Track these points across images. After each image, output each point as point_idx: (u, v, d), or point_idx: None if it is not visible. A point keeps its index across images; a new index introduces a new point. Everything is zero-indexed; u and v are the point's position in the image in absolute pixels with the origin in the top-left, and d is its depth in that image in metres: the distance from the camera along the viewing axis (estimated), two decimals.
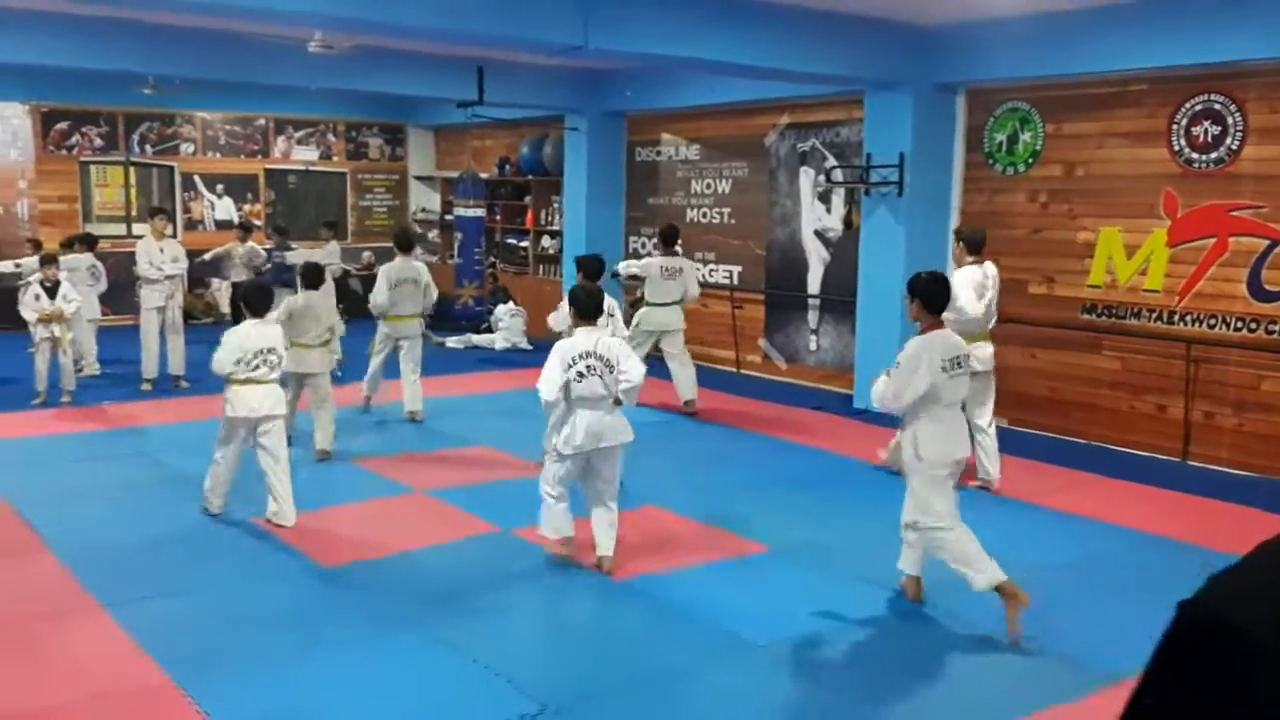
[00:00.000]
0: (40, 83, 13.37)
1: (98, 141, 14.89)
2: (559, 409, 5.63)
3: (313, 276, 8.23)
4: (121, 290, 12.35)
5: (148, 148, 15.26)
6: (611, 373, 5.60)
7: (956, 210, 9.97)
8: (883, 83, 9.61)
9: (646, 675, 4.56)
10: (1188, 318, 8.44)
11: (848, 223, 11.01)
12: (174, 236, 13.09)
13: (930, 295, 5.24)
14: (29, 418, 9.26)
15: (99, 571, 5.60)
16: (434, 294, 9.63)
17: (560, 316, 7.38)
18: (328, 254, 12.43)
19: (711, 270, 12.75)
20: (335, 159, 16.89)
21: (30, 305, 9.78)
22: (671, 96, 12.29)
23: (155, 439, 8.54)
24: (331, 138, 16.79)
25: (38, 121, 14.46)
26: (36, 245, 11.61)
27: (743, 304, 12.32)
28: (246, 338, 6.39)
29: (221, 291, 14.63)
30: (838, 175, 10.91)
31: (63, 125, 14.63)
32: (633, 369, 5.72)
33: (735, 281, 12.45)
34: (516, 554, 6.02)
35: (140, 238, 12.62)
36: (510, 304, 14.09)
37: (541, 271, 15.31)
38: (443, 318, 14.64)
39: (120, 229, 14.94)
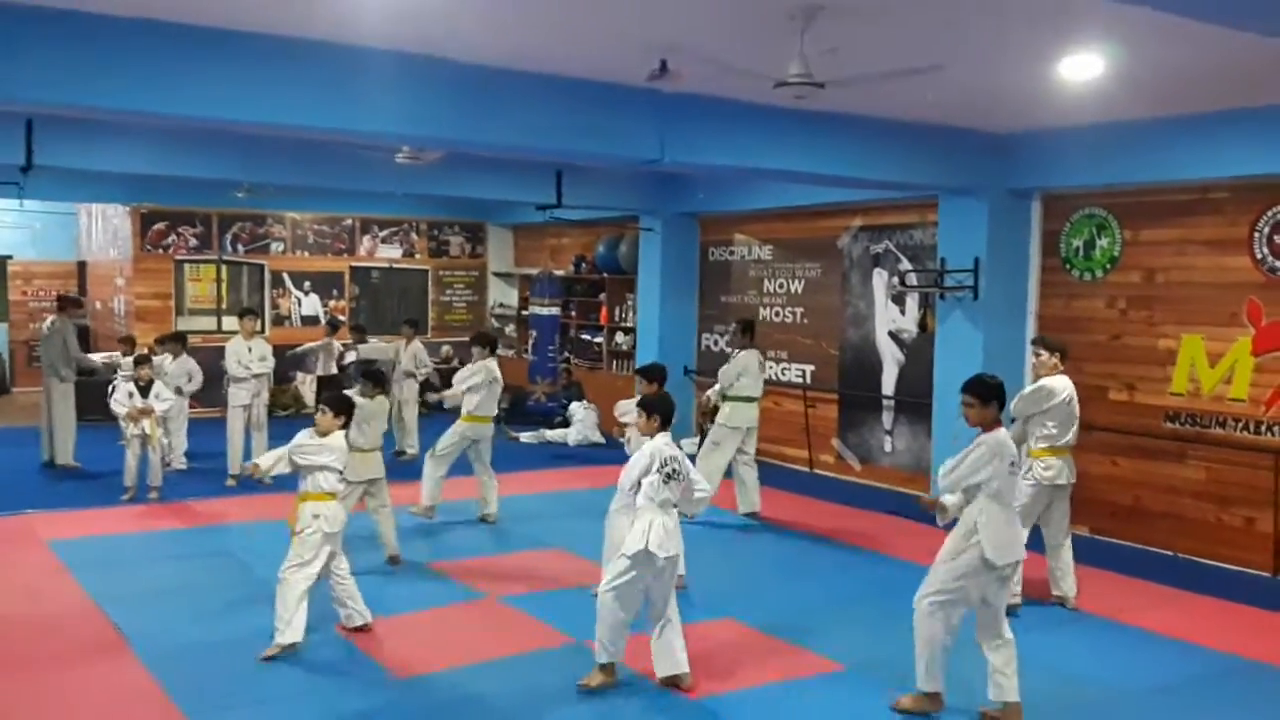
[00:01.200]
0: (140, 186, 14.01)
1: (192, 241, 15.52)
2: (625, 512, 5.74)
3: (375, 379, 8.27)
4: (209, 383, 12.73)
5: (239, 246, 15.85)
6: (680, 481, 5.67)
7: (1033, 315, 9.90)
8: (957, 188, 9.66)
9: None
10: (1275, 428, 8.23)
11: (922, 325, 10.98)
12: (262, 334, 13.52)
13: (1000, 398, 5.36)
14: (117, 514, 9.53)
15: (181, 677, 5.70)
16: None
17: (626, 412, 7.42)
18: (411, 354, 12.70)
19: (785, 369, 12.78)
20: (418, 256, 17.36)
21: (122, 402, 10.13)
22: (744, 199, 12.47)
23: (239, 537, 8.72)
24: (414, 236, 17.29)
25: (136, 222, 15.13)
26: (129, 343, 12.04)
27: (816, 403, 12.29)
28: (344, 447, 6.36)
29: (306, 385, 14.99)
30: (912, 279, 10.93)
31: (160, 225, 15.29)
32: (703, 479, 5.96)
33: (809, 380, 12.45)
34: (590, 667, 6.00)
35: (231, 333, 13.09)
36: (584, 401, 14.24)
37: (614, 367, 15.46)
38: (516, 413, 14.87)
39: (211, 323, 15.47)
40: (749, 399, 9.76)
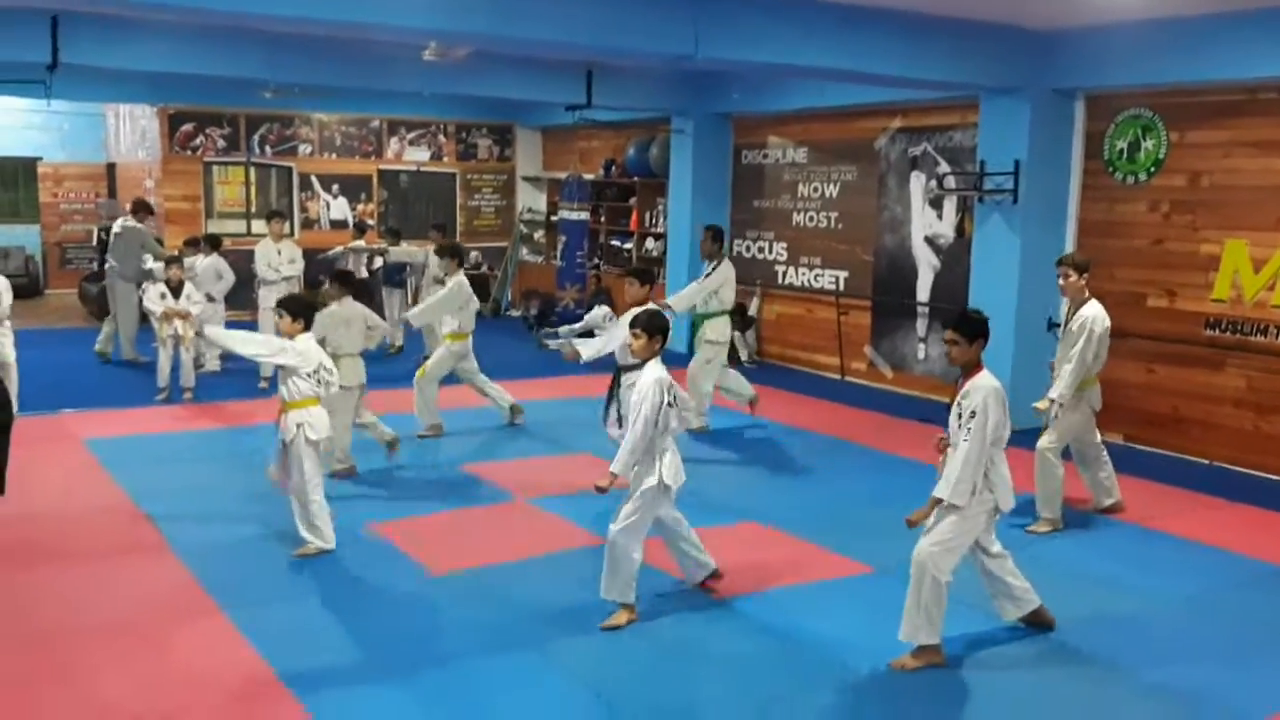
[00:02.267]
0: (167, 86, 13.87)
1: (220, 142, 15.41)
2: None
3: (344, 281, 8.00)
4: (239, 287, 12.73)
5: (267, 148, 15.73)
6: (678, 404, 5.39)
7: (1073, 219, 9.69)
8: (999, 88, 9.39)
9: (748, 700, 4.53)
10: None
11: (960, 230, 10.78)
12: (291, 237, 13.48)
13: (986, 335, 4.97)
14: (152, 414, 9.63)
15: (217, 572, 5.80)
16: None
17: (610, 342, 7.14)
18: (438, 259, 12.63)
19: (817, 275, 12.63)
20: (445, 159, 17.19)
21: (155, 302, 10.18)
22: (780, 99, 12.19)
23: (271, 437, 8.77)
24: (442, 139, 17.09)
25: (164, 123, 15.02)
26: (159, 245, 12.05)
27: (848, 310, 12.16)
28: (310, 350, 6.26)
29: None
30: (950, 182, 10.70)
31: (188, 127, 15.17)
32: (686, 397, 5.63)
33: (841, 287, 12.30)
34: None
35: (259, 236, 13.06)
36: (604, 308, 14.11)
37: None
38: (544, 320, 14.85)
39: (240, 226, 15.43)
40: (726, 312, 9.48)
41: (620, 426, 5.52)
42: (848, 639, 5.13)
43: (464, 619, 5.27)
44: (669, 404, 5.20)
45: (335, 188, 16.31)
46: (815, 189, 12.68)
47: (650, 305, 6.58)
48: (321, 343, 6.67)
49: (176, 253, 11.29)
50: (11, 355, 9.02)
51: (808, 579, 5.94)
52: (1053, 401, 6.77)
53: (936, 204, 11.15)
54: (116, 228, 11.92)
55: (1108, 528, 7.00)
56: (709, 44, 7.68)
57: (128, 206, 12.49)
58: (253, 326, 11.31)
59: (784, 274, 13.10)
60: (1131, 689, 4.76)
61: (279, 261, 11.31)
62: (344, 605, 5.44)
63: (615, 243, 15.94)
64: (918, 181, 11.35)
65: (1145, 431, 9.20)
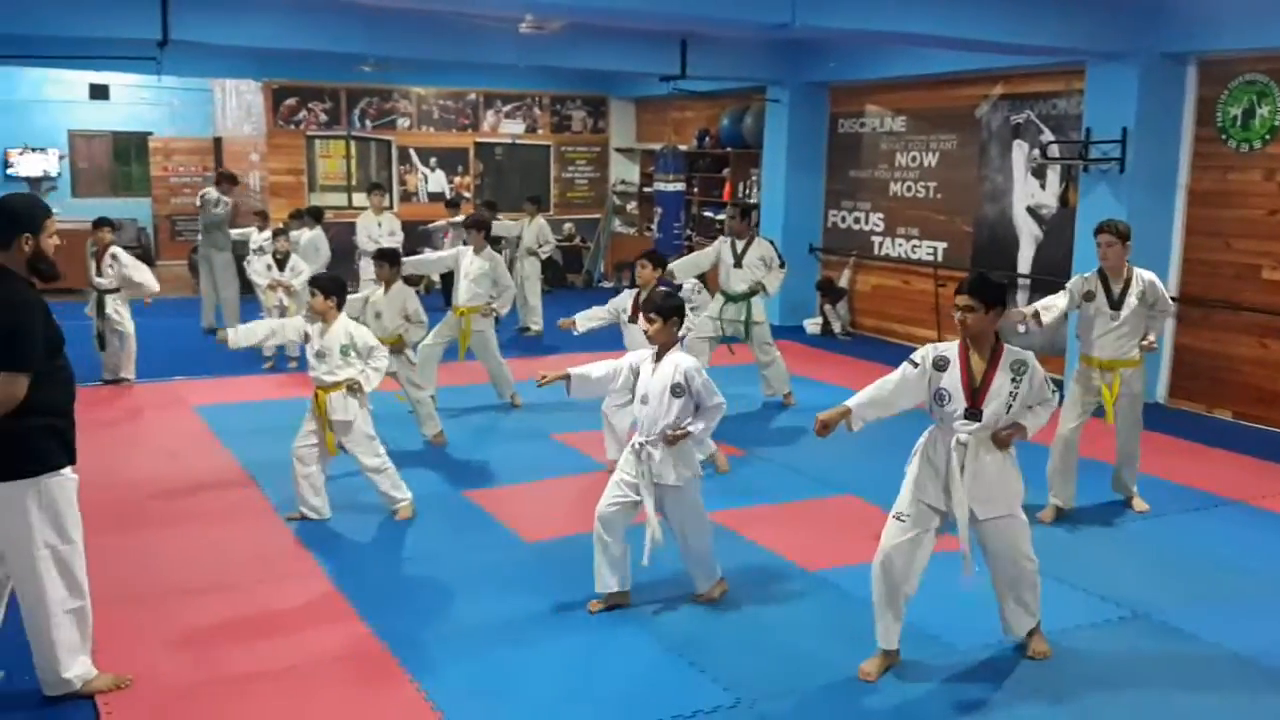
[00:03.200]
0: (272, 61, 14.20)
1: (322, 116, 15.72)
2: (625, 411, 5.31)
3: (389, 259, 7.79)
4: (340, 260, 13.02)
5: (367, 122, 16.01)
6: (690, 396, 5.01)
7: (1183, 188, 9.37)
8: (1106, 53, 9.10)
9: (837, 673, 4.53)
10: None
11: (1064, 200, 10.50)
12: (390, 209, 13.72)
13: (1003, 303, 4.44)
14: (259, 382, 9.93)
15: (322, 537, 5.98)
16: None
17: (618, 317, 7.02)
18: (534, 231, 12.76)
19: (915, 246, 12.43)
20: (540, 132, 17.29)
21: (260, 273, 10.48)
22: (878, 67, 11.99)
23: (371, 405, 8.99)
24: (537, 111, 17.19)
25: (269, 98, 15.38)
26: (264, 217, 12.37)
27: (946, 282, 11.95)
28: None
29: None
30: (1054, 150, 10.43)
31: (291, 101, 15.51)
32: (715, 391, 5.09)
33: (940, 258, 12.09)
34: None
35: (360, 209, 13.33)
36: (694, 281, 14.06)
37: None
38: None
39: (341, 199, 15.76)
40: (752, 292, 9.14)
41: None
42: (943, 617, 5.07)
43: (556, 586, 5.35)
44: (673, 390, 4.88)
45: (433, 161, 16.54)
46: (913, 158, 12.46)
47: (661, 288, 6.19)
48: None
49: (281, 225, 11.58)
50: (130, 325, 9.44)
51: None
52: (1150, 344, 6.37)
53: (1039, 173, 10.87)
54: (204, 198, 12.30)
55: (1216, 508, 6.80)
56: (807, 11, 7.58)
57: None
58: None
59: (880, 245, 12.92)
60: (1236, 672, 4.63)
61: (379, 234, 11.55)
62: (439, 570, 5.56)
63: (708, 214, 15.88)
64: (1020, 150, 11.07)
65: (1256, 408, 8.89)
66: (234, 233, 12.37)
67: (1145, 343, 6.40)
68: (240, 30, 10.43)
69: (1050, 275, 10.64)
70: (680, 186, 15.04)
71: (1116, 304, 6.30)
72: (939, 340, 11.84)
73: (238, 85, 16.68)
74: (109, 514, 6.18)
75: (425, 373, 8.20)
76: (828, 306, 13.08)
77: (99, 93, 17.77)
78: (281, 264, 10.44)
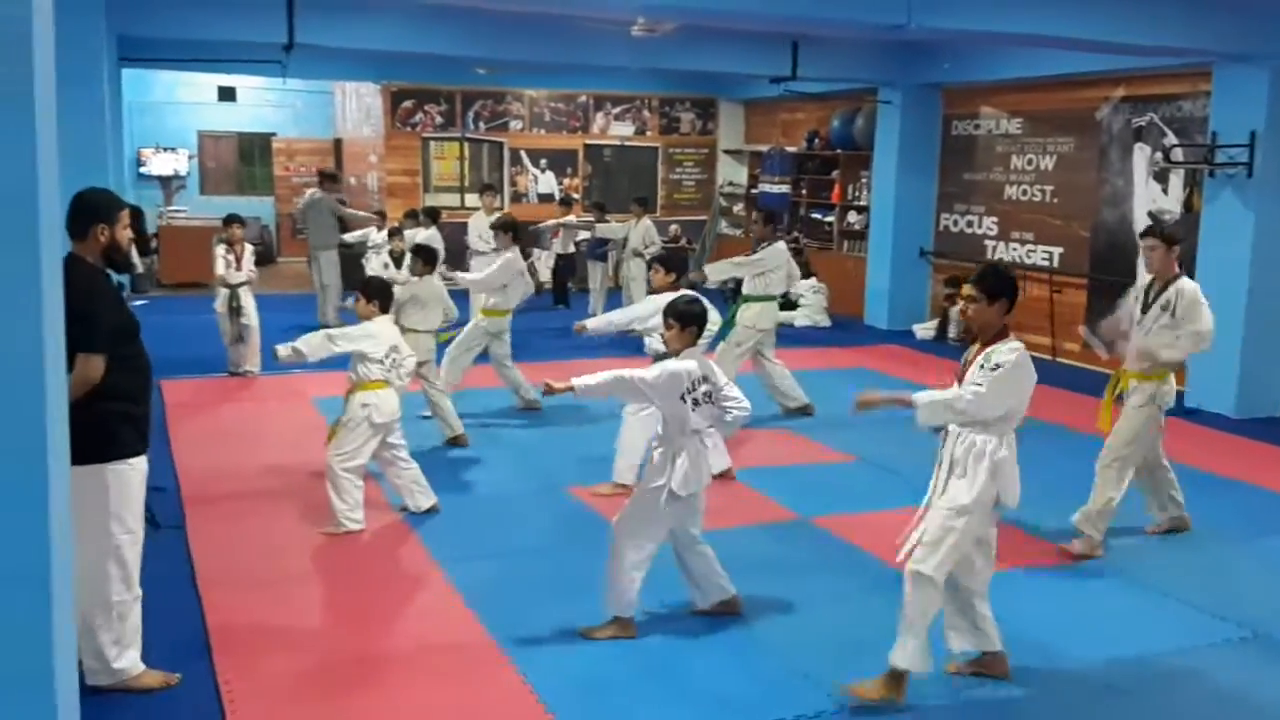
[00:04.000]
0: (391, 64, 14.57)
1: (438, 119, 16.08)
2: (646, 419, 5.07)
3: (426, 257, 7.78)
4: (453, 258, 13.27)
5: (480, 124, 16.32)
6: (713, 403, 4.82)
7: None
8: (1234, 55, 8.78)
9: (945, 684, 4.47)
10: None
11: (1187, 206, 10.16)
12: (501, 210, 13.96)
13: (1013, 298, 4.27)
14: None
15: (430, 526, 6.13)
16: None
17: (634, 321, 6.85)
18: (640, 232, 12.84)
19: (1030, 251, 12.17)
20: (649, 134, 17.39)
21: (377, 271, 10.78)
22: (993, 68, 11.76)
23: (479, 400, 9.16)
24: (646, 113, 17.30)
25: (387, 100, 15.79)
26: (382, 217, 12.71)
27: (1062, 288, 11.67)
28: (383, 333, 6.14)
29: (541, 261, 15.44)
30: (1178, 154, 10.09)
31: (408, 104, 15.90)
32: (740, 395, 4.89)
33: (1055, 264, 11.81)
34: (813, 543, 6.07)
35: (473, 209, 13.59)
36: (813, 280, 14.02)
37: (845, 248, 15.13)
38: (740, 292, 14.84)
39: (454, 199, 16.09)
40: (772, 297, 8.88)
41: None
42: (1056, 629, 4.98)
43: (660, 585, 5.38)
44: (695, 399, 4.69)
45: (543, 162, 16.77)
46: (1029, 161, 12.19)
47: (684, 293, 6.04)
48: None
49: (397, 224, 11.89)
50: (255, 319, 9.80)
51: (1016, 565, 5.77)
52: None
53: (1161, 178, 10.54)
54: (305, 200, 12.67)
55: None
56: (923, 12, 7.49)
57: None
58: (463, 295, 11.79)
59: (994, 249, 12.67)
60: None
61: (490, 234, 11.72)
62: (546, 566, 5.64)
63: (816, 215, 15.78)
64: (1141, 154, 10.75)
65: None
66: (353, 235, 12.72)
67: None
68: (361, 34, 10.74)
69: None
70: (786, 188, 14.98)
71: (1145, 309, 6.02)
72: (1053, 349, 11.61)
73: (358, 88, 17.15)
74: (229, 501, 6.45)
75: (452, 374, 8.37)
76: (954, 308, 12.86)
77: (227, 95, 18.46)
78: (398, 262, 10.71)
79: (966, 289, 4.31)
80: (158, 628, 4.47)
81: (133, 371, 4.08)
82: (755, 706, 4.24)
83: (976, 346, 4.35)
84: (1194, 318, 5.92)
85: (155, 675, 4.27)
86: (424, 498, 6.34)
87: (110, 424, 3.99)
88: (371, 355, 6.00)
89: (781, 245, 8.91)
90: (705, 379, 4.75)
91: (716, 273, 9.10)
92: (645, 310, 6.71)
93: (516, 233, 8.88)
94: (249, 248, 9.86)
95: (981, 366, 4.20)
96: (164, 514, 6.11)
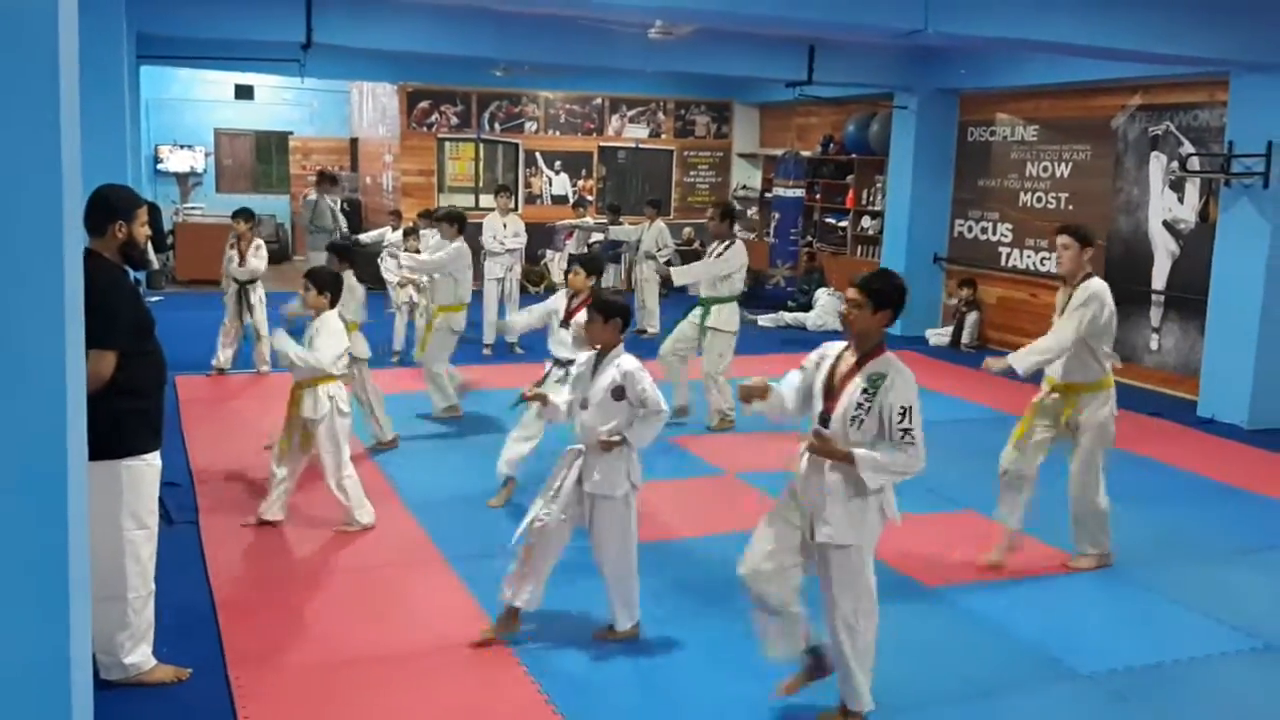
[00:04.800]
0: (407, 65, 14.62)
1: (453, 119, 16.13)
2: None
3: (340, 253, 7.77)
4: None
5: (496, 125, 16.36)
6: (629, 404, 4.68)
7: None
8: (1252, 64, 8.76)
9: (951, 692, 4.47)
10: None
11: (1203, 215, 10.12)
12: (515, 211, 13.98)
13: (899, 307, 3.93)
14: (387, 375, 10.20)
15: (442, 525, 6.15)
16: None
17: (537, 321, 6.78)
18: (653, 235, 12.85)
19: (1044, 259, 12.13)
20: (664, 136, 17.41)
21: (391, 271, 10.81)
22: (1010, 74, 11.75)
23: (493, 401, 9.18)
24: (661, 116, 17.32)
25: (403, 100, 15.84)
26: (397, 216, 12.75)
27: None
28: (340, 328, 6.12)
29: (554, 262, 15.49)
30: (1194, 163, 10.06)
31: (424, 104, 15.96)
32: (659, 399, 4.67)
33: None
34: None
35: (487, 210, 13.62)
36: (829, 287, 14.03)
37: (860, 252, 15.12)
38: (754, 296, 14.86)
39: (469, 200, 16.14)
40: (735, 298, 8.58)
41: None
42: (1065, 638, 4.97)
43: (668, 587, 5.40)
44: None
45: (558, 164, 16.81)
46: (1045, 168, 12.17)
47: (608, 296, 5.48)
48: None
49: (412, 224, 11.91)
50: (264, 317, 9.81)
51: (1026, 573, 5.77)
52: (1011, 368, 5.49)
53: (1177, 186, 10.51)
54: (306, 201, 12.69)
55: None
56: (940, 18, 7.49)
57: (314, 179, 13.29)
58: (478, 295, 11.82)
59: (1008, 256, 12.65)
60: None
61: (504, 234, 11.76)
62: (560, 566, 5.64)
63: (830, 220, 15.77)
64: (1157, 162, 10.73)
65: None
66: (368, 235, 12.75)
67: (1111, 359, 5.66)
68: (379, 34, 10.79)
69: (1186, 293, 10.29)
70: (799, 192, 14.98)
71: (1062, 313, 5.60)
72: None
73: (374, 88, 17.22)
74: (242, 497, 6.47)
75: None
76: (969, 316, 12.84)
77: (244, 93, 18.56)
78: None
79: (852, 292, 3.94)
80: (169, 622, 4.50)
81: (148, 367, 4.10)
82: (761, 708, 4.23)
83: (848, 358, 3.95)
84: (1096, 323, 5.49)
85: (166, 670, 4.29)
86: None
87: (125, 420, 4.01)
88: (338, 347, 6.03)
89: (740, 245, 8.56)
90: (628, 375, 4.63)
91: (684, 276, 8.84)
92: (558, 303, 6.61)
93: (462, 225, 8.83)
94: (256, 242, 9.87)
95: (867, 391, 3.83)
96: (177, 509, 6.15)
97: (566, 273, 6.59)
